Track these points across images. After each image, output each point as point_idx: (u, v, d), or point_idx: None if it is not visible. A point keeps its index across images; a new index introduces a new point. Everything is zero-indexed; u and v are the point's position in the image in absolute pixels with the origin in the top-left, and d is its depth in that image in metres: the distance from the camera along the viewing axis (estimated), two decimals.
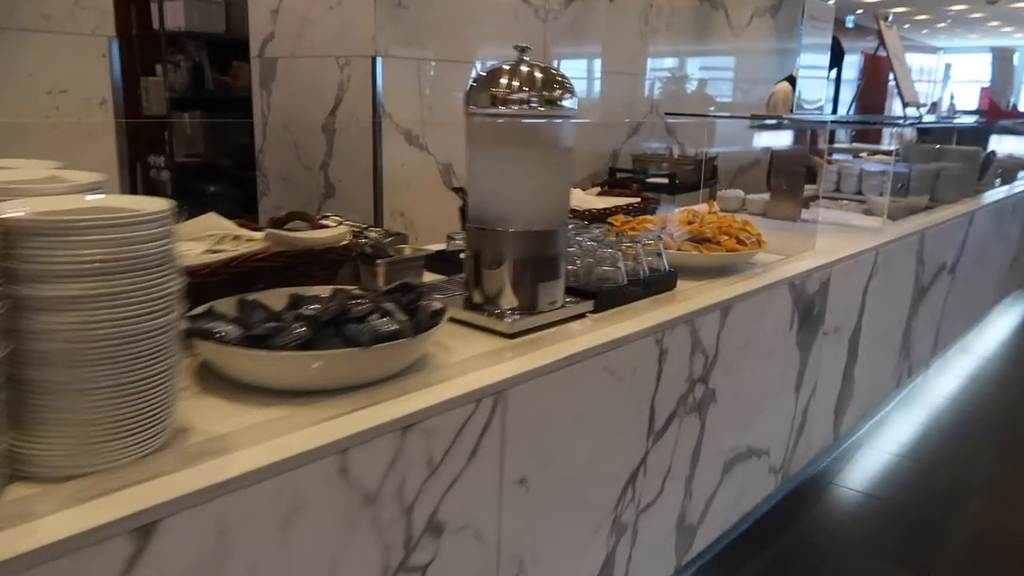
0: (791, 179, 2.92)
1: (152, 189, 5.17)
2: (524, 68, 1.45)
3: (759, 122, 3.23)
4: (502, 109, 1.41)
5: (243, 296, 1.28)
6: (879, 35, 3.78)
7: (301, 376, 1.08)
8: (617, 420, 1.50)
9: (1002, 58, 4.85)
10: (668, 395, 1.63)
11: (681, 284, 1.83)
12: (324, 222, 1.83)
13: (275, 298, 1.30)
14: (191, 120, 5.11)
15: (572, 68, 4.36)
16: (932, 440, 3.02)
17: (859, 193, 3.87)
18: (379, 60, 3.36)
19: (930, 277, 3.11)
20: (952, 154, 3.96)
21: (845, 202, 3.64)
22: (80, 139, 2.52)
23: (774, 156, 2.99)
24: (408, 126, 3.52)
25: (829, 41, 3.08)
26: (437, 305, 1.28)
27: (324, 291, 1.34)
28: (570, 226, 1.87)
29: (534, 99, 1.43)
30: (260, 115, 4.05)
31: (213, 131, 5.14)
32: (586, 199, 2.36)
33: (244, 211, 4.17)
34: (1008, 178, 4.75)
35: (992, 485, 2.71)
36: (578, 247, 1.71)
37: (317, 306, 1.16)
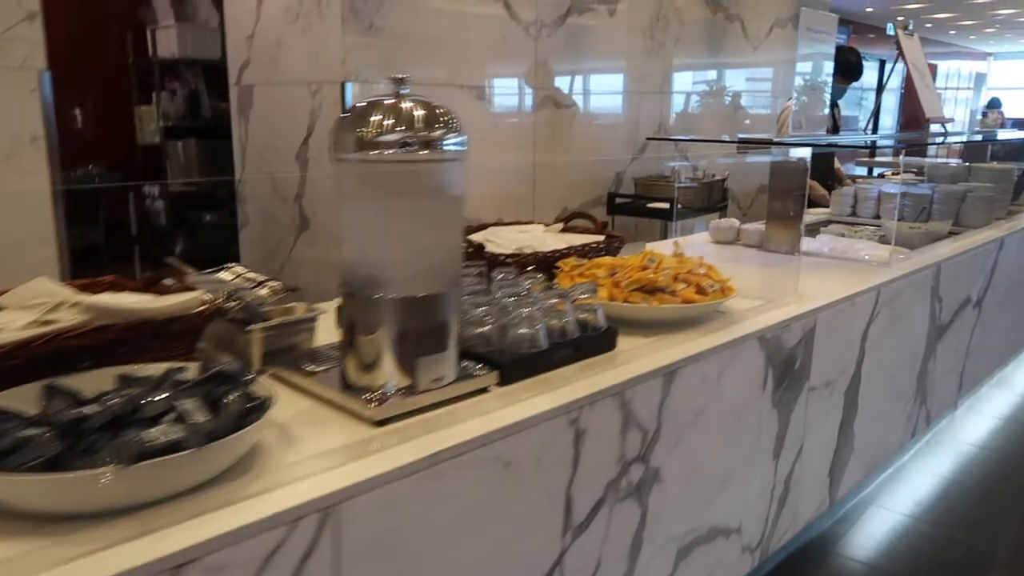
0: (787, 207, 2.64)
1: (147, 219, 5.09)
2: (399, 103, 1.23)
3: (750, 146, 2.95)
4: (370, 153, 1.19)
5: (51, 381, 1.08)
6: (897, 44, 3.47)
7: (50, 499, 0.87)
8: (517, 519, 1.26)
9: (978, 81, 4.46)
10: (591, 482, 1.38)
11: (628, 343, 1.59)
12: (220, 275, 1.64)
13: (97, 381, 1.10)
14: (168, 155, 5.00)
15: (567, 85, 4.13)
16: (953, 498, 2.69)
17: (877, 217, 3.55)
18: (349, 85, 3.18)
19: (950, 314, 2.78)
20: (982, 173, 3.62)
21: (861, 228, 3.33)
22: (8, 177, 2.37)
23: (769, 181, 2.71)
24: None
25: (831, 52, 2.79)
26: (265, 393, 1.07)
27: (160, 370, 1.13)
28: (498, 276, 1.65)
29: (410, 140, 1.20)
30: (239, 144, 3.91)
31: (208, 159, 5.03)
32: (542, 238, 2.12)
33: (236, 242, 4.04)
34: None
35: (1021, 554, 2.38)
36: (492, 304, 1.48)
37: (95, 406, 0.95)
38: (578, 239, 2.17)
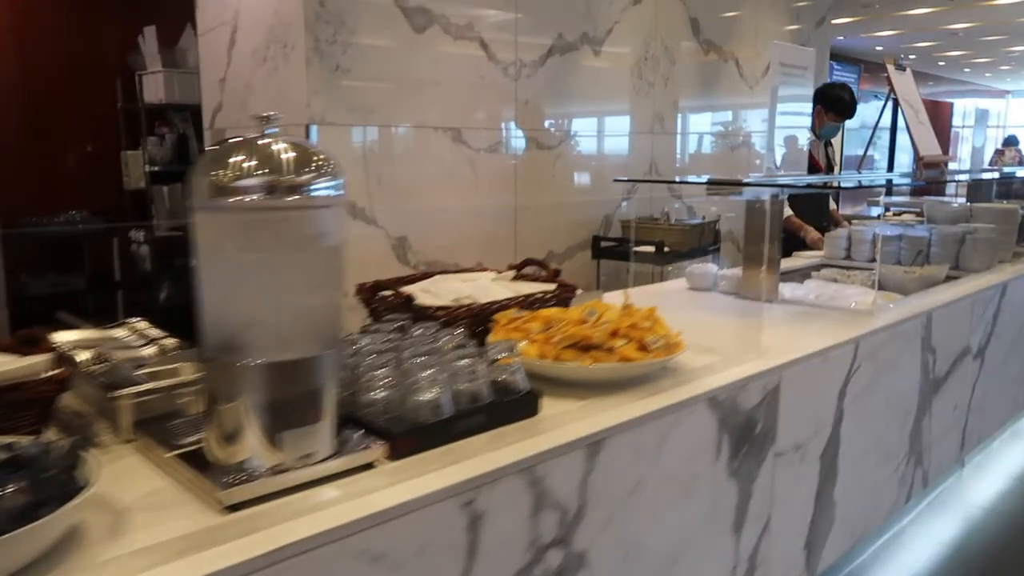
0: (763, 251, 2.47)
1: (132, 264, 5.02)
2: (264, 144, 1.10)
3: (728, 187, 2.79)
4: (228, 200, 1.05)
5: None
6: (888, 80, 3.32)
7: None
8: None
9: (979, 118, 4.31)
10: (494, 571, 1.20)
11: (557, 406, 1.43)
12: (114, 331, 1.51)
13: None
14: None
15: (551, 125, 4.02)
16: (955, 567, 2.45)
17: (873, 261, 3.37)
18: (313, 128, 3.08)
19: (946, 365, 2.58)
20: (984, 213, 3.43)
21: (854, 273, 3.15)
22: None
23: (745, 224, 2.55)
24: (351, 197, 3.21)
25: (810, 91, 2.65)
26: (83, 479, 0.91)
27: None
28: (416, 331, 1.50)
29: (275, 185, 1.06)
30: None
31: None
32: (487, 288, 1.97)
33: None
34: None
35: None
36: (396, 366, 1.33)
37: None
38: (529, 288, 2.02)
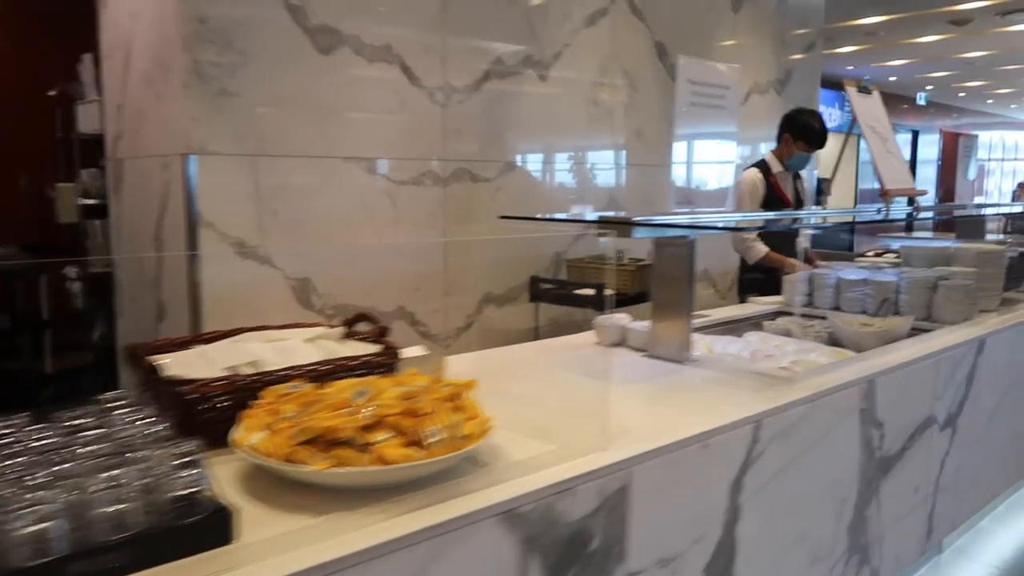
0: (673, 304, 2.08)
1: (63, 301, 4.73)
2: None
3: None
4: None
5: None
6: (850, 105, 2.93)
7: None
8: None
9: (966, 147, 3.86)
10: None
11: (279, 524, 1.05)
12: None
13: None
14: None
15: (491, 155, 3.66)
16: None
17: (837, 308, 2.95)
18: (192, 158, 2.76)
19: (900, 441, 2.14)
20: (965, 255, 2.99)
21: (814, 323, 2.73)
22: None
23: (653, 269, 2.16)
24: (240, 235, 2.88)
25: (732, 113, 2.27)
26: None
27: None
28: (86, 421, 1.13)
29: None
30: (115, 224, 3.54)
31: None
32: (294, 351, 1.59)
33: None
34: None
35: None
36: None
37: None
38: (352, 349, 1.65)
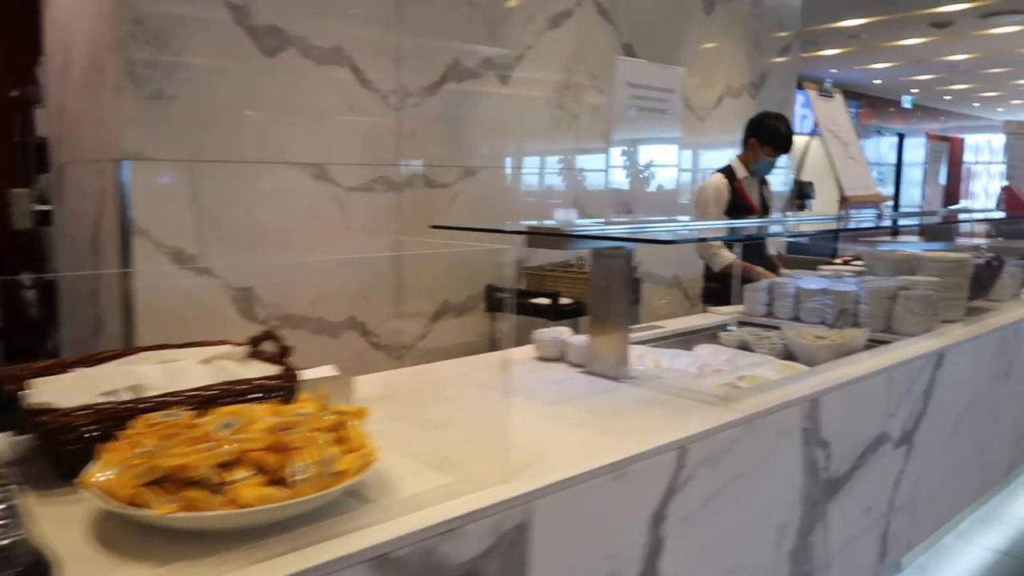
0: (610, 317, 1.98)
1: (18, 310, 4.62)
2: None
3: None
4: None
5: None
6: (812, 108, 2.84)
7: None
8: None
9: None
10: None
11: (114, 574, 0.94)
12: None
13: None
14: None
15: (451, 160, 3.57)
16: None
17: (797, 319, 2.86)
18: (126, 164, 2.65)
19: (849, 460, 2.05)
20: (928, 264, 2.90)
21: (771, 334, 2.63)
22: None
23: (590, 280, 2.06)
24: (177, 244, 2.77)
25: (677, 118, 2.18)
26: None
27: None
28: None
29: None
30: (58, 231, 3.43)
31: None
32: (186, 373, 1.49)
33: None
34: None
35: None
36: None
37: None
38: (252, 371, 1.55)
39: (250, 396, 1.40)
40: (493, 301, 3.53)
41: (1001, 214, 3.54)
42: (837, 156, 2.75)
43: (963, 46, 9.00)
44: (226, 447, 1.08)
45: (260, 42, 2.91)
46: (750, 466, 1.70)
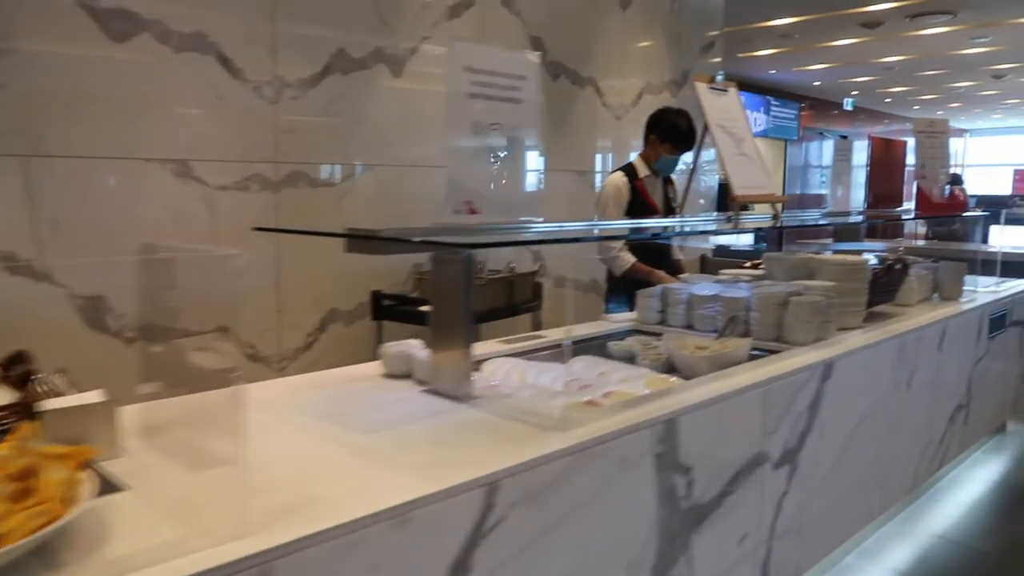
0: (450, 330, 1.78)
1: None
2: None
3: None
4: None
5: None
6: (700, 102, 2.67)
7: None
8: None
9: (926, 134, 3.73)
10: None
11: None
12: None
13: None
14: None
15: (333, 157, 3.34)
16: None
17: (689, 327, 2.69)
18: None
19: (717, 485, 1.87)
20: (826, 268, 2.76)
21: (658, 345, 2.46)
22: None
23: (430, 290, 1.85)
24: (8, 247, 2.50)
25: (533, 107, 1.99)
26: None
27: None
28: None
29: None
30: None
31: None
32: None
33: None
34: (950, 293, 3.50)
35: None
36: None
37: None
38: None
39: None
40: (379, 308, 3.30)
41: (908, 215, 3.42)
42: (727, 153, 2.58)
43: (894, 47, 9.03)
44: None
45: (107, 26, 2.65)
46: (585, 500, 1.51)
